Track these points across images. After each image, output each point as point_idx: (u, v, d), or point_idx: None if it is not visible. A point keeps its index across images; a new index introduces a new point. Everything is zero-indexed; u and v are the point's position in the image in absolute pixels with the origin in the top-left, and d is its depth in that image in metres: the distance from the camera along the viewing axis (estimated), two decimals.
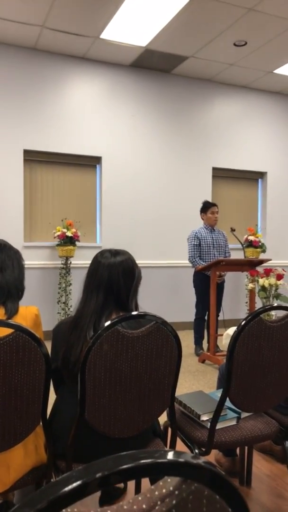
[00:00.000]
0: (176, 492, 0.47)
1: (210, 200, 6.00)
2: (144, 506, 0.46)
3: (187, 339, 5.06)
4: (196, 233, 4.86)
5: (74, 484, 0.41)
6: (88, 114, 5.80)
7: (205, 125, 6.43)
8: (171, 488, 0.47)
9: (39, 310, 1.63)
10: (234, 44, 5.27)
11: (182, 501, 0.47)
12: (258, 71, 6.06)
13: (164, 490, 0.47)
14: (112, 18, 4.68)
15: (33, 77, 5.52)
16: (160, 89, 6.16)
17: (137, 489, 1.99)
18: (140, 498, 0.47)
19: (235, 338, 1.62)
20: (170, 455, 0.50)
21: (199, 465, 0.50)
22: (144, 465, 0.47)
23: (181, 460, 0.49)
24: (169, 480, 0.49)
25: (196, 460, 0.50)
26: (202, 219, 4.96)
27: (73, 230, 5.41)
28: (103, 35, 5.08)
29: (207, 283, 4.58)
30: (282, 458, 2.45)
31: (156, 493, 0.47)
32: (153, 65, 5.91)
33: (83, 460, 1.49)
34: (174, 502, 0.47)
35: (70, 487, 0.41)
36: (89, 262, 1.68)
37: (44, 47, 5.43)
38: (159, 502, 0.46)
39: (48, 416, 1.48)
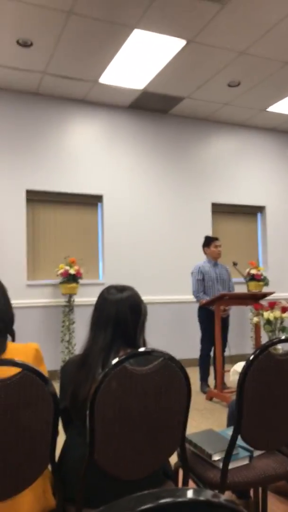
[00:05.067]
0: None
1: (210, 233, 6.05)
2: None
3: (192, 376, 4.96)
4: (200, 267, 4.87)
5: None
6: (89, 154, 5.95)
7: (203, 162, 6.57)
8: None
9: (39, 346, 1.58)
10: (228, 85, 5.46)
11: None
12: (252, 110, 6.25)
13: None
14: (110, 63, 4.88)
15: (35, 120, 5.70)
16: (158, 129, 6.34)
17: None
18: None
19: (244, 373, 1.60)
20: (191, 494, 0.49)
21: (220, 503, 0.48)
22: (165, 504, 0.46)
23: (202, 498, 0.48)
24: None
25: (217, 499, 0.49)
26: (205, 253, 4.98)
27: (76, 267, 5.42)
28: (102, 79, 5.28)
29: (212, 318, 4.55)
30: None
31: None
32: (151, 106, 6.11)
33: (93, 504, 1.43)
34: None
35: None
36: (93, 299, 1.67)
37: (45, 91, 5.63)
38: None
39: (57, 458, 1.43)
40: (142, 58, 4.78)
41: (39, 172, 5.67)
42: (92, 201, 6.00)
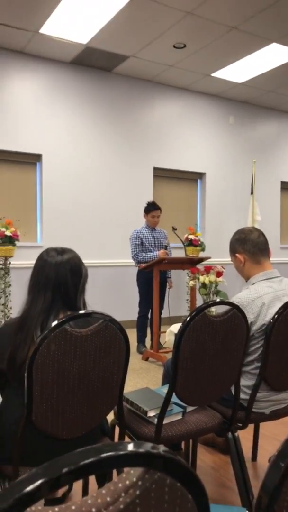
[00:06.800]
0: (140, 483, 0.48)
1: (151, 198, 6.07)
2: (108, 498, 0.47)
3: (130, 337, 5.09)
4: (138, 232, 4.90)
5: (41, 481, 0.41)
6: (27, 110, 5.66)
7: (146, 125, 6.50)
8: (134, 479, 0.48)
9: None
10: (174, 46, 5.37)
11: (146, 490, 0.48)
12: (196, 74, 6.22)
13: (127, 482, 0.48)
14: (52, 12, 4.60)
15: None
16: (101, 88, 6.14)
17: (85, 491, 1.97)
18: (103, 491, 0.48)
19: (181, 333, 1.66)
20: (131, 447, 0.51)
21: (160, 454, 0.51)
22: (107, 458, 0.47)
23: (142, 450, 0.51)
24: (132, 471, 0.50)
25: (156, 450, 0.51)
26: (145, 218, 5.01)
27: (13, 229, 5.25)
28: (43, 30, 4.97)
29: (150, 282, 4.64)
30: (224, 449, 2.54)
31: (120, 485, 0.48)
32: (94, 63, 5.88)
33: (31, 463, 1.46)
34: (137, 492, 0.48)
35: (36, 483, 0.41)
36: (30, 262, 1.65)
37: None
38: (123, 494, 0.47)
39: None
40: (86, 10, 4.55)
41: None
42: (31, 160, 5.77)
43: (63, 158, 5.88)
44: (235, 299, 2.04)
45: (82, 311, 1.47)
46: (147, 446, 0.50)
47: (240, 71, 6.05)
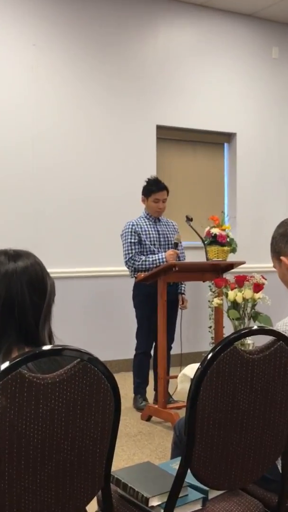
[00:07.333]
0: None
1: (153, 173, 6.08)
2: None
3: (123, 385, 5.08)
4: (133, 225, 4.89)
5: None
6: None
7: (143, 61, 6.51)
8: None
9: None
10: None
11: None
12: None
13: None
14: None
15: None
16: (74, 5, 6.15)
17: None
18: None
19: (198, 379, 1.66)
20: None
21: None
22: None
23: None
24: None
25: None
26: (143, 204, 5.01)
27: None
28: None
29: (153, 300, 4.62)
30: None
31: None
32: None
33: None
34: None
35: None
36: None
37: None
38: None
39: None
40: None
41: None
42: None
43: (18, 112, 5.87)
44: (281, 326, 2.05)
45: (47, 347, 1.47)
46: None
47: None
